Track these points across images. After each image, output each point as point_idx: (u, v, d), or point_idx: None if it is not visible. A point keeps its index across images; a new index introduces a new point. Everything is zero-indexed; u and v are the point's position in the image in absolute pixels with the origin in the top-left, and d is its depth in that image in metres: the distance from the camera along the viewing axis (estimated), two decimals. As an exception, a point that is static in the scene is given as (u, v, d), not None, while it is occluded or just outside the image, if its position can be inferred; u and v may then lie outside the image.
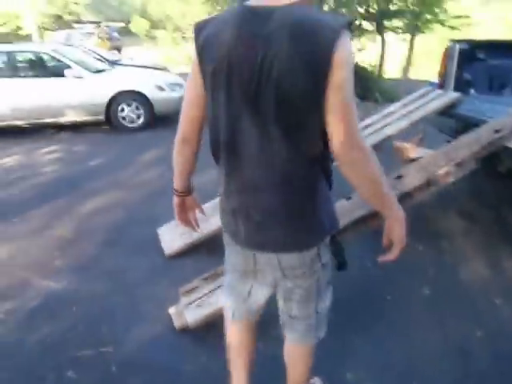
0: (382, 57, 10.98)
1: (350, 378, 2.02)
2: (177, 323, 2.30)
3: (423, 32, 13.97)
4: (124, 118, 6.68)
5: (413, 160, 2.98)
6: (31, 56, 6.70)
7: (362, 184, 1.16)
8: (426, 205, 3.88)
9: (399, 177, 2.59)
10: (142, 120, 6.75)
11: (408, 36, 14.24)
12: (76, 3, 20.85)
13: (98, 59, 8.40)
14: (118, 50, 17.93)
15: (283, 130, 1.10)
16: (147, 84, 6.70)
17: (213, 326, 2.19)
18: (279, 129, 1.10)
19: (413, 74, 15.18)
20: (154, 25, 22.31)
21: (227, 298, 1.60)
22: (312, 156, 1.15)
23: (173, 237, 3.09)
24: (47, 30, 19.88)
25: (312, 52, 1.02)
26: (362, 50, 11.09)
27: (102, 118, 6.65)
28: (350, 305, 2.51)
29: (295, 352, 1.63)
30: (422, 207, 3.84)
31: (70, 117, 6.57)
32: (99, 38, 17.03)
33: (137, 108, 6.66)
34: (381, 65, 10.81)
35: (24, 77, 6.51)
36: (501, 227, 3.45)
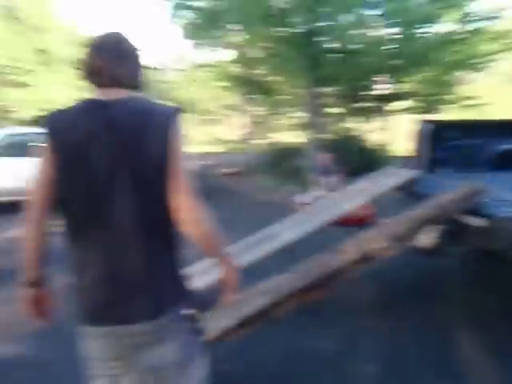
0: (387, 137, 11.33)
1: None
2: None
3: (438, 112, 14.33)
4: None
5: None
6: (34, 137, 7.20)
7: (202, 238, 1.36)
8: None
9: (338, 252, 2.68)
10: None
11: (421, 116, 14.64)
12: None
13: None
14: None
15: (133, 206, 1.27)
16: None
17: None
18: (129, 205, 1.27)
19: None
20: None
21: None
22: (160, 223, 1.31)
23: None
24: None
25: (152, 134, 1.28)
26: (372, 132, 11.56)
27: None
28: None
29: None
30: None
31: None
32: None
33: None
34: (387, 144, 11.11)
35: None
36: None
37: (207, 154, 17.54)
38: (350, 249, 2.64)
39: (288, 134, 14.34)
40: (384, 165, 8.70)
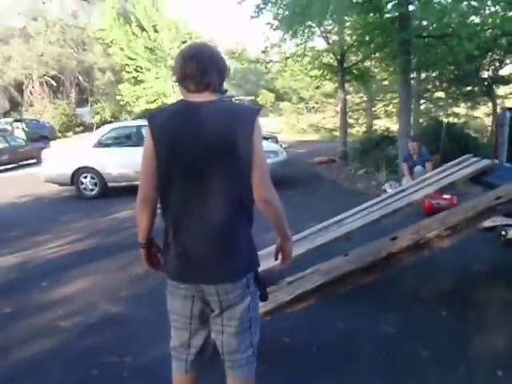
0: (492, 123, 10.43)
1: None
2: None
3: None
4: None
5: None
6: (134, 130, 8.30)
7: (272, 215, 1.66)
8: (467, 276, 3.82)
9: (394, 238, 2.79)
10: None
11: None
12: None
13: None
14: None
15: (222, 186, 1.57)
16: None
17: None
18: (219, 186, 1.56)
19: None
20: (279, 97, 24.65)
21: (172, 344, 1.83)
22: (241, 205, 1.60)
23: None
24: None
25: (238, 132, 1.55)
26: (476, 118, 10.76)
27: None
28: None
29: None
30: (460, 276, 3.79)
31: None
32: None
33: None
34: (492, 132, 10.24)
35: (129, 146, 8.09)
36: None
37: (303, 142, 17.79)
38: (405, 236, 2.74)
39: (384, 121, 14.01)
40: (479, 152, 8.18)
